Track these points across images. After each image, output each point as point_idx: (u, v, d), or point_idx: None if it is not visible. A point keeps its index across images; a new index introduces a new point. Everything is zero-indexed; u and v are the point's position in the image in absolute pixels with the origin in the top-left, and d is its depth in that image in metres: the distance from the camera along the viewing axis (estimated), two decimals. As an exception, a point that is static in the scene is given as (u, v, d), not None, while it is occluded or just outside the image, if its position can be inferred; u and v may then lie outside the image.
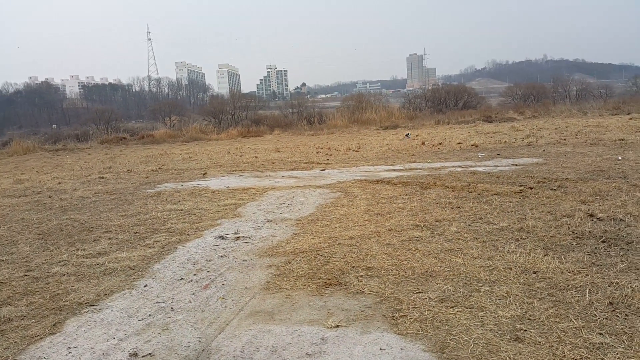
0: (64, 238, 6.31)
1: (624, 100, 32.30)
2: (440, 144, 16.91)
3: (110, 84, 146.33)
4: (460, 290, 3.65)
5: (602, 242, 4.65)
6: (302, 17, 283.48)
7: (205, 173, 12.91)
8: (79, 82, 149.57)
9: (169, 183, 11.35)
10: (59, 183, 12.40)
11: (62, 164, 18.38)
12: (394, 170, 11.21)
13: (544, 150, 13.09)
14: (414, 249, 4.81)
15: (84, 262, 5.16)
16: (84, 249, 5.67)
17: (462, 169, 10.60)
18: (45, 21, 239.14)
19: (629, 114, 25.12)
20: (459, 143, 16.63)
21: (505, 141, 16.30)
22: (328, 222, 6.26)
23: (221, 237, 5.88)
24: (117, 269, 4.85)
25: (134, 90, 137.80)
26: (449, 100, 38.19)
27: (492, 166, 10.76)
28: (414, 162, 12.57)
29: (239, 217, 7.06)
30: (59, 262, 5.20)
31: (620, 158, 10.47)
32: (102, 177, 13.11)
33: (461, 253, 4.57)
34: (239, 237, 5.83)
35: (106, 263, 5.05)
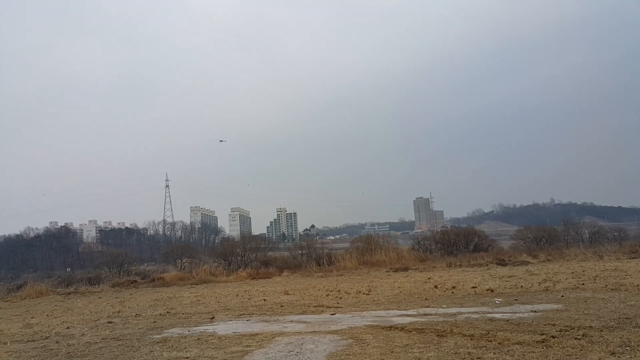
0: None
1: (641, 243, 31.85)
2: (454, 287, 16.48)
3: (126, 228, 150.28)
4: None
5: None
6: (311, 166, 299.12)
7: (213, 317, 12.51)
8: (96, 227, 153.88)
9: (176, 328, 10.96)
10: (68, 328, 12.09)
11: (72, 307, 18.03)
12: (407, 315, 10.80)
13: (562, 296, 12.66)
14: (433, 405, 4.41)
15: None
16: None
17: (479, 315, 10.18)
18: (70, 170, 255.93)
19: (646, 257, 24.68)
20: (473, 287, 16.20)
21: (522, 286, 15.86)
22: (339, 374, 5.86)
23: (225, 390, 5.48)
24: None
25: (148, 234, 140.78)
26: (459, 243, 38.12)
27: (510, 312, 10.34)
28: (427, 306, 12.15)
29: (244, 366, 6.66)
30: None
31: (644, 304, 10.05)
32: (111, 322, 12.76)
33: (485, 411, 4.18)
34: (243, 390, 5.43)
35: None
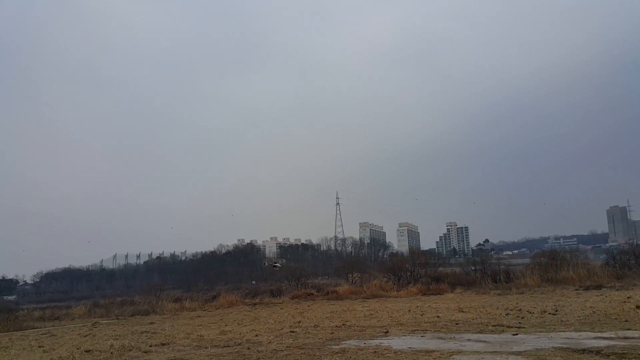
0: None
1: None
2: (663, 309, 14.08)
3: (302, 244, 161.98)
4: None
5: None
6: (484, 175, 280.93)
7: (387, 331, 12.80)
8: (276, 243, 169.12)
9: (353, 340, 11.54)
10: (256, 335, 13.63)
11: (259, 317, 20.21)
12: (604, 338, 9.64)
13: None
14: None
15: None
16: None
17: (698, 341, 8.60)
18: (255, 195, 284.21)
19: None
20: (690, 309, 13.64)
21: None
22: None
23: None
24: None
25: (322, 249, 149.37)
26: (668, 257, 32.23)
27: None
28: (628, 329, 10.65)
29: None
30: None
31: None
32: (293, 332, 13.98)
33: None
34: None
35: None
